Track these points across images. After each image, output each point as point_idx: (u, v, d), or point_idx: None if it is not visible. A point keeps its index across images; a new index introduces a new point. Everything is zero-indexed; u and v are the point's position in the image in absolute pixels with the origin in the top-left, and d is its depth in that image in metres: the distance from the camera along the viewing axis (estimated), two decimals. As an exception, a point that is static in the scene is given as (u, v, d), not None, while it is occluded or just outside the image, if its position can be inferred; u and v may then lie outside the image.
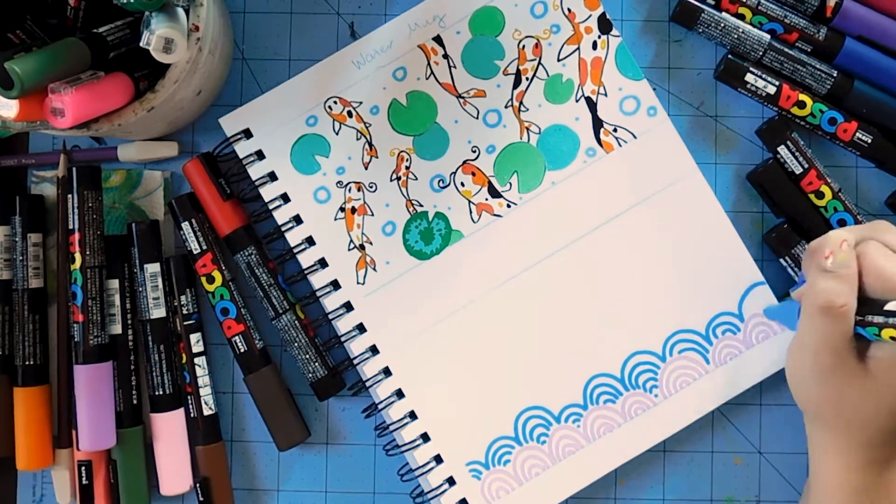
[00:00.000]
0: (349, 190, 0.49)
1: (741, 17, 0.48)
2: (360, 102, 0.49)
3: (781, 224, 0.49)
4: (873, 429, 0.40)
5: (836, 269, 0.39)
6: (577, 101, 0.49)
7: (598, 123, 0.49)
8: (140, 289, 0.48)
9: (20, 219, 0.48)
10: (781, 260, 0.49)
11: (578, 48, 0.49)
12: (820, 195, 0.48)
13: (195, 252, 0.48)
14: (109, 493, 0.48)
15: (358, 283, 0.48)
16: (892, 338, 0.38)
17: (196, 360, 0.49)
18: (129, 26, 0.42)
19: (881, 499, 0.40)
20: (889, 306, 0.38)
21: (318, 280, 0.48)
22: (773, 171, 0.49)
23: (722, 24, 0.48)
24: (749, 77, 0.48)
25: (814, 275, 0.40)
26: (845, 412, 0.40)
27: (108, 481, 0.48)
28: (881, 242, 0.41)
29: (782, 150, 0.48)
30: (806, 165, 0.48)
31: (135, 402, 0.49)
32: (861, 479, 0.41)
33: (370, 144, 0.49)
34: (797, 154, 0.48)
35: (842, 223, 0.48)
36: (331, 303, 0.49)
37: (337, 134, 0.49)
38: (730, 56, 0.49)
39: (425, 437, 0.48)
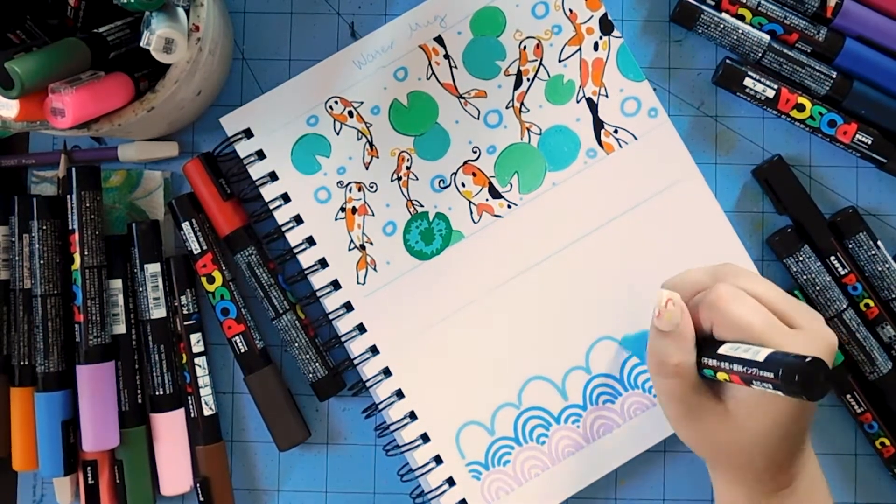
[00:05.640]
0: (350, 190, 0.49)
1: (741, 17, 0.49)
2: (361, 102, 0.49)
3: (786, 228, 0.49)
4: (748, 466, 0.40)
5: (665, 328, 0.39)
6: (577, 102, 0.49)
7: (598, 124, 0.49)
8: (140, 289, 0.48)
9: (17, 219, 0.48)
10: (783, 262, 0.49)
11: (580, 49, 0.49)
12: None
13: (195, 252, 0.48)
14: (114, 493, 0.48)
15: (358, 283, 0.48)
16: (725, 379, 0.37)
17: (196, 360, 0.49)
18: (129, 26, 0.42)
19: None
20: (722, 349, 0.38)
21: (318, 280, 0.48)
22: (779, 167, 0.49)
23: (721, 25, 0.48)
24: (748, 81, 0.48)
25: (650, 333, 0.40)
26: (718, 452, 0.40)
27: (114, 481, 0.48)
28: (731, 286, 0.40)
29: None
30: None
31: (139, 401, 0.49)
32: (758, 500, 0.41)
33: (371, 144, 0.49)
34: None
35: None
36: (331, 303, 0.48)
37: (338, 134, 0.49)
38: (728, 61, 0.49)
39: (425, 438, 0.48)
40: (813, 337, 0.39)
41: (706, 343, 0.40)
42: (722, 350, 0.38)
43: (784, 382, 0.33)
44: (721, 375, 0.38)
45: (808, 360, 0.33)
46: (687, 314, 0.40)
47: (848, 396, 0.48)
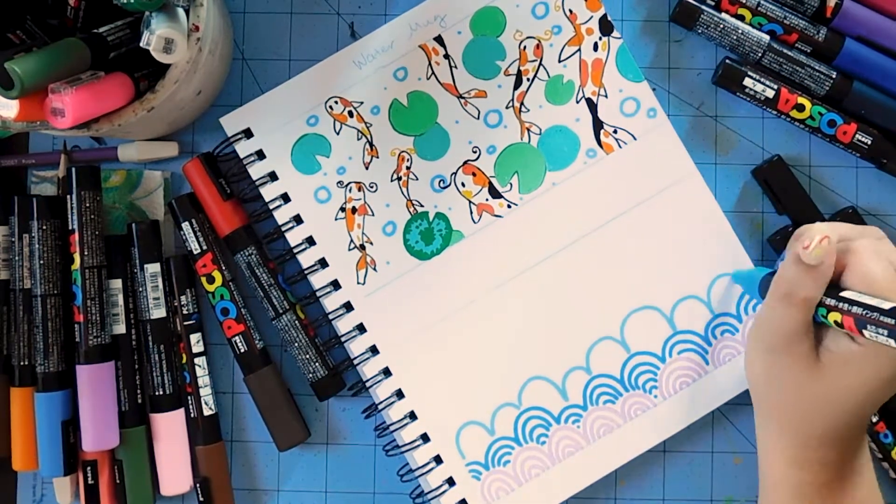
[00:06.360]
0: (350, 190, 0.49)
1: (741, 17, 0.49)
2: (361, 102, 0.49)
3: (786, 227, 0.49)
4: (816, 426, 0.40)
5: (809, 261, 0.39)
6: (577, 102, 0.49)
7: (598, 125, 0.49)
8: (140, 289, 0.48)
9: (17, 219, 0.48)
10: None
11: (579, 49, 0.49)
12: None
13: (195, 252, 0.48)
14: (114, 493, 0.48)
15: (358, 283, 0.48)
16: (835, 322, 0.38)
17: (196, 361, 0.49)
18: (129, 26, 0.42)
19: (819, 501, 0.40)
20: (844, 293, 0.38)
21: (318, 280, 0.48)
22: (779, 168, 0.49)
23: (721, 25, 0.48)
24: (747, 81, 0.48)
25: (788, 260, 0.40)
26: (790, 402, 0.40)
27: (114, 481, 0.48)
28: (876, 244, 0.41)
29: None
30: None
31: (139, 401, 0.49)
32: (802, 476, 0.40)
33: (371, 144, 0.49)
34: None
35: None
36: (331, 303, 0.48)
37: (338, 134, 0.49)
38: (728, 61, 0.49)
39: (425, 438, 0.48)
40: None
41: (829, 287, 0.40)
42: (845, 294, 0.38)
43: None
44: (833, 316, 0.38)
45: None
46: (834, 255, 0.40)
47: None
